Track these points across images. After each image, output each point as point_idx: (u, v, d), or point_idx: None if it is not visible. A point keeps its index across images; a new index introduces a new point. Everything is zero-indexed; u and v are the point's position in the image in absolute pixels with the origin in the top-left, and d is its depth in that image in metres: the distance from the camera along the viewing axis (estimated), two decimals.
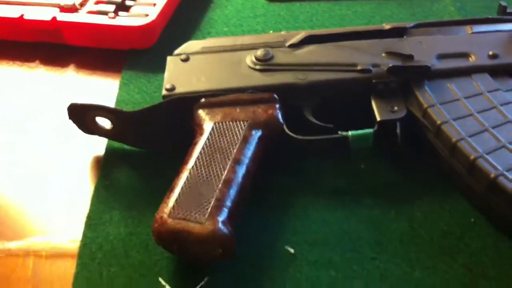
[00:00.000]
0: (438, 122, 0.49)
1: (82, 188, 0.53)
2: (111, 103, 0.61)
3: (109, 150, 0.56)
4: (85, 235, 0.48)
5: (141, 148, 0.56)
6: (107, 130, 0.54)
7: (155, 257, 0.46)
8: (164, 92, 0.54)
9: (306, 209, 0.50)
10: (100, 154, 0.56)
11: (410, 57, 0.54)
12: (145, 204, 0.50)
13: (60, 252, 0.48)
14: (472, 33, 0.57)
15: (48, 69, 0.68)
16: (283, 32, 0.59)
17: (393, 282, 0.44)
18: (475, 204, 0.48)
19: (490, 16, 0.59)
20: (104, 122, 0.54)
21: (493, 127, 0.48)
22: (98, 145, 0.56)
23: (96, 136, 0.55)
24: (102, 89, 0.64)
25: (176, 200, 0.45)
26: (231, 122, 0.51)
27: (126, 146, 0.56)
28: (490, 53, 0.54)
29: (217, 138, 0.49)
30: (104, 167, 0.55)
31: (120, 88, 0.63)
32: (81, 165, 0.55)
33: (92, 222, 0.49)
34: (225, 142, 0.49)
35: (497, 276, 0.43)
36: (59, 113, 0.59)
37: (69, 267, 0.46)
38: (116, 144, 0.56)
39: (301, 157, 0.54)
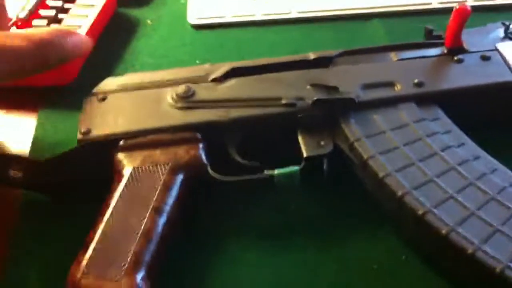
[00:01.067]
0: (365, 156, 0.47)
1: None
2: (27, 144, 0.57)
3: (23, 202, 0.52)
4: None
5: (57, 197, 0.52)
6: (19, 179, 0.51)
7: None
8: (78, 136, 0.50)
9: (236, 252, 0.47)
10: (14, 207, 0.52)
11: (335, 88, 0.52)
12: (64, 262, 0.46)
13: None
14: (398, 60, 0.56)
15: None
16: (206, 65, 0.57)
17: None
18: (406, 240, 0.46)
19: (415, 41, 0.58)
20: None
21: (420, 160, 0.46)
22: (12, 197, 0.53)
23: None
24: (18, 129, 0.60)
25: (90, 257, 0.42)
26: (150, 166, 0.48)
27: (41, 197, 0.52)
28: (416, 81, 0.53)
29: (136, 184, 0.47)
30: (17, 225, 0.51)
31: (36, 129, 0.59)
32: None
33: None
34: (145, 188, 0.46)
35: None
36: None
37: None
38: (31, 195, 0.52)
39: (228, 194, 0.51)
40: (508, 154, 0.48)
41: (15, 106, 0.63)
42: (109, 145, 0.50)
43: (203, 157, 0.49)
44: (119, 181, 0.47)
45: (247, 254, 0.47)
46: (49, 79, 0.63)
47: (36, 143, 0.57)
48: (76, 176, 0.51)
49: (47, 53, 0.48)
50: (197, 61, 0.67)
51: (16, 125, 0.61)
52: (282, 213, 0.50)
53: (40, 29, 0.58)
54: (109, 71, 0.66)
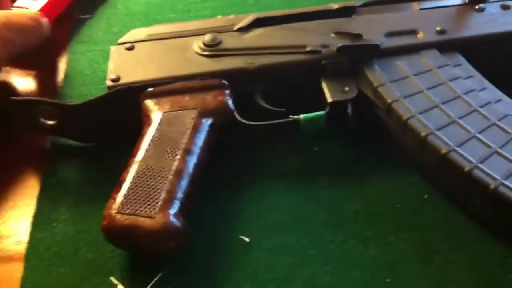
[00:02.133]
0: (389, 100, 0.48)
1: (27, 187, 0.50)
2: (54, 97, 0.59)
3: (53, 146, 0.54)
4: (32, 236, 0.46)
5: (87, 143, 0.54)
6: (50, 126, 0.52)
7: (106, 255, 0.45)
8: (108, 83, 0.51)
9: (261, 194, 0.49)
10: (44, 151, 0.54)
11: (359, 36, 0.53)
12: (94, 201, 0.48)
13: (6, 255, 0.46)
14: (420, 9, 0.57)
15: None
16: (231, 16, 0.58)
17: (349, 262, 0.43)
18: (429, 180, 0.48)
19: None
20: (47, 118, 0.52)
21: (443, 103, 0.47)
22: (41, 142, 0.54)
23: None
24: (44, 83, 0.61)
25: (125, 194, 0.43)
26: (180, 111, 0.49)
27: (71, 141, 0.53)
28: (438, 28, 0.53)
29: (166, 128, 0.48)
30: (49, 164, 0.52)
31: (63, 81, 0.61)
32: (24, 163, 0.53)
33: (39, 222, 0.47)
34: (175, 132, 0.48)
35: (452, 250, 0.44)
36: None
37: (16, 271, 0.44)
38: (61, 140, 0.54)
39: (254, 142, 0.52)
40: None
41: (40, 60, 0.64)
42: (138, 92, 0.51)
43: (230, 102, 0.50)
44: (149, 124, 0.49)
45: (271, 195, 0.49)
46: None
47: (63, 94, 0.59)
48: (106, 122, 0.52)
49: (42, 30, 0.57)
50: (219, 16, 0.67)
51: (41, 78, 0.62)
52: (306, 156, 0.51)
53: (27, 10, 0.61)
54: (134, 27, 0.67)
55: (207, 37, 0.54)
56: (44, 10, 0.63)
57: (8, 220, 0.48)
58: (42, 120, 0.52)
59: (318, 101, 0.51)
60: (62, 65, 0.62)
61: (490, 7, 0.56)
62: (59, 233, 0.46)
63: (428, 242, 0.44)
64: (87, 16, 0.69)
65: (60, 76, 0.61)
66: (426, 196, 0.47)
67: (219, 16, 0.67)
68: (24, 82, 0.61)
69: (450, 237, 0.44)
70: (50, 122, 0.52)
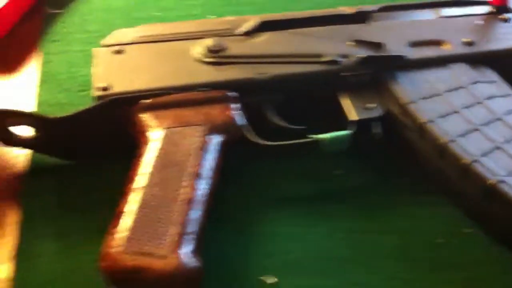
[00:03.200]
0: (422, 120, 0.43)
1: (5, 213, 0.43)
2: (31, 105, 0.51)
3: (33, 165, 0.46)
4: (15, 274, 0.39)
5: (71, 160, 0.46)
6: (29, 140, 0.44)
7: None
8: (96, 92, 0.44)
9: (278, 225, 0.42)
10: (22, 169, 0.46)
11: (378, 45, 0.48)
12: (84, 229, 0.41)
13: None
14: (440, 17, 0.52)
15: None
16: (230, 18, 0.51)
17: None
18: (467, 212, 0.43)
19: None
20: (25, 131, 0.44)
21: (483, 125, 0.43)
22: (18, 159, 0.46)
23: (14, 149, 0.45)
24: (17, 90, 0.53)
25: (127, 229, 0.36)
26: (183, 128, 0.42)
27: (52, 159, 0.46)
28: (464, 40, 0.49)
29: (169, 148, 0.41)
30: (29, 186, 0.45)
31: (39, 87, 0.52)
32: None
33: (23, 258, 0.40)
34: (179, 152, 0.41)
35: None
36: None
37: None
38: (39, 157, 0.46)
39: (264, 159, 0.46)
40: None
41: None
42: (131, 103, 0.44)
43: (239, 118, 0.44)
44: (146, 143, 0.42)
45: (291, 226, 0.43)
46: None
47: (42, 102, 0.51)
48: (91, 136, 0.45)
49: None
50: (211, 16, 0.61)
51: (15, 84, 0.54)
52: (326, 180, 0.46)
53: None
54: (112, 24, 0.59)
55: (211, 42, 0.47)
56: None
57: None
58: (15, 134, 0.44)
59: (337, 117, 0.46)
60: (34, 67, 0.54)
61: None
62: (47, 270, 0.39)
63: (474, 283, 0.39)
64: (59, 11, 0.61)
65: (35, 80, 0.53)
66: (466, 230, 0.42)
67: (210, 17, 0.61)
68: None
69: (497, 278, 0.39)
70: (29, 136, 0.44)
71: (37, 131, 0.43)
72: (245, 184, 0.45)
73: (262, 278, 0.39)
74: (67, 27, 0.58)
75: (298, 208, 0.44)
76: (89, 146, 0.46)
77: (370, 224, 0.43)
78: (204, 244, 0.38)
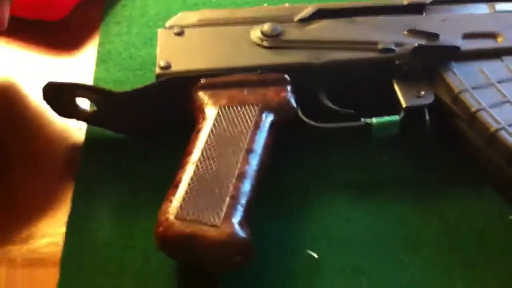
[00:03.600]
0: (473, 109, 0.44)
1: (61, 183, 0.45)
2: (87, 82, 0.53)
3: (90, 138, 0.48)
4: (68, 239, 0.41)
5: (128, 135, 0.48)
6: (89, 114, 0.47)
7: (155, 265, 0.39)
8: (158, 70, 0.46)
9: (325, 207, 0.44)
10: (80, 142, 0.48)
11: (435, 36, 0.48)
12: (137, 203, 0.43)
13: (39, 258, 0.40)
14: (495, 12, 0.52)
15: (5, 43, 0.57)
16: (286, 5, 0.53)
17: None
18: None
19: None
20: (85, 104, 0.47)
21: None
22: (77, 132, 0.49)
23: (74, 121, 0.47)
24: (75, 68, 0.55)
25: (183, 198, 0.38)
26: (239, 106, 0.44)
27: (109, 133, 0.48)
28: None
29: (225, 124, 0.43)
30: (86, 158, 0.47)
31: (97, 65, 0.55)
32: (58, 156, 0.47)
33: (75, 225, 0.42)
34: (235, 129, 0.42)
35: None
36: (31, 93, 0.51)
37: (50, 277, 0.39)
38: (98, 130, 0.48)
39: (312, 147, 0.47)
40: None
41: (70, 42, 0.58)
42: (189, 82, 0.46)
43: (293, 100, 0.45)
44: (204, 119, 0.43)
45: (337, 208, 0.44)
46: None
47: (98, 79, 0.53)
48: (150, 112, 0.47)
49: None
50: (265, 4, 0.62)
51: (73, 62, 0.56)
52: (374, 166, 0.47)
53: None
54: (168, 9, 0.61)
55: (267, 27, 0.48)
56: None
57: (40, 220, 0.43)
58: (80, 106, 0.46)
59: (386, 105, 0.46)
60: (95, 47, 0.57)
61: None
62: (99, 238, 0.41)
63: None
64: None
65: (93, 59, 0.55)
66: (511, 217, 0.42)
67: (266, 5, 0.62)
68: (55, 64, 0.55)
69: None
70: (89, 110, 0.46)
71: (99, 105, 0.46)
72: (295, 167, 0.46)
73: (309, 252, 0.40)
74: (128, 11, 0.61)
75: (346, 191, 0.45)
76: (147, 121, 0.48)
77: (415, 210, 0.43)
78: (253, 216, 0.39)
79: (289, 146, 0.46)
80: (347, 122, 0.45)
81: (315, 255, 0.40)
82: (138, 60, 0.55)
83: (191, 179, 0.39)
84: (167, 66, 0.46)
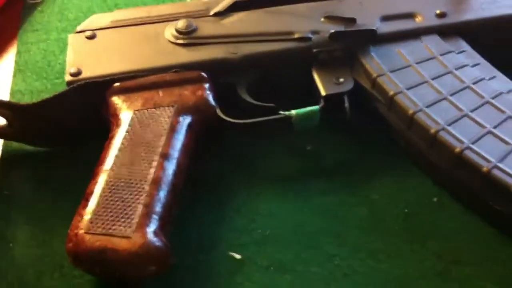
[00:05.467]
0: (391, 92, 0.43)
1: None
2: (4, 94, 0.51)
3: (5, 153, 0.46)
4: None
5: (46, 147, 0.46)
6: (1, 129, 0.45)
7: (73, 281, 0.38)
8: (67, 77, 0.44)
9: (250, 201, 0.43)
10: None
11: (352, 20, 0.47)
12: (57, 216, 0.42)
13: None
14: None
15: None
16: (205, 0, 0.51)
17: (358, 279, 0.38)
18: (438, 181, 0.43)
19: None
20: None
21: (452, 95, 0.42)
22: None
23: None
24: None
25: (94, 210, 0.37)
26: (154, 109, 0.43)
27: (26, 146, 0.46)
28: (438, 11, 0.48)
29: (139, 129, 0.41)
30: (2, 174, 0.45)
31: (14, 76, 0.53)
32: None
33: None
34: (149, 133, 0.41)
35: (471, 261, 0.39)
36: None
37: None
38: (12, 144, 0.46)
39: (236, 140, 0.46)
40: None
41: None
42: (104, 87, 0.44)
43: (211, 98, 0.44)
44: (118, 125, 0.42)
45: (262, 202, 0.43)
46: None
47: (15, 91, 0.51)
48: (65, 123, 0.45)
49: None
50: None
51: None
52: (299, 156, 0.46)
53: None
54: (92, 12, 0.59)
55: (181, 23, 0.47)
56: None
57: None
58: None
59: (310, 94, 0.46)
60: (12, 57, 0.55)
61: None
62: (17, 256, 0.40)
63: (444, 253, 0.39)
64: (38, 0, 0.61)
65: (10, 69, 0.53)
66: (435, 199, 0.42)
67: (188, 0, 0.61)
68: None
69: (468, 247, 0.39)
70: (1, 125, 0.45)
71: (9, 119, 0.44)
72: (220, 159, 0.46)
73: (231, 253, 0.39)
74: (46, 16, 0.59)
75: (271, 184, 0.44)
76: (64, 132, 0.46)
77: (341, 197, 0.43)
78: (172, 223, 0.38)
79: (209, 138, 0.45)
80: (267, 116, 0.44)
81: (237, 255, 0.39)
82: (56, 68, 0.53)
83: (103, 189, 0.38)
84: (78, 73, 0.45)
